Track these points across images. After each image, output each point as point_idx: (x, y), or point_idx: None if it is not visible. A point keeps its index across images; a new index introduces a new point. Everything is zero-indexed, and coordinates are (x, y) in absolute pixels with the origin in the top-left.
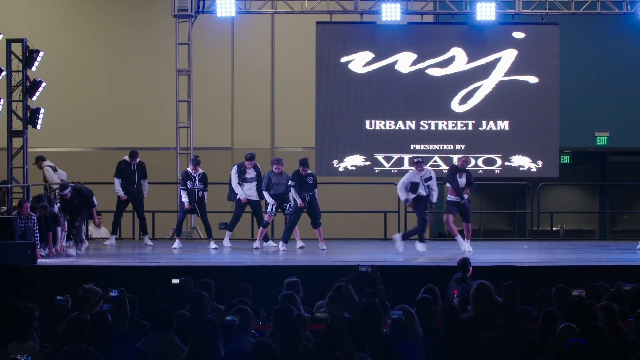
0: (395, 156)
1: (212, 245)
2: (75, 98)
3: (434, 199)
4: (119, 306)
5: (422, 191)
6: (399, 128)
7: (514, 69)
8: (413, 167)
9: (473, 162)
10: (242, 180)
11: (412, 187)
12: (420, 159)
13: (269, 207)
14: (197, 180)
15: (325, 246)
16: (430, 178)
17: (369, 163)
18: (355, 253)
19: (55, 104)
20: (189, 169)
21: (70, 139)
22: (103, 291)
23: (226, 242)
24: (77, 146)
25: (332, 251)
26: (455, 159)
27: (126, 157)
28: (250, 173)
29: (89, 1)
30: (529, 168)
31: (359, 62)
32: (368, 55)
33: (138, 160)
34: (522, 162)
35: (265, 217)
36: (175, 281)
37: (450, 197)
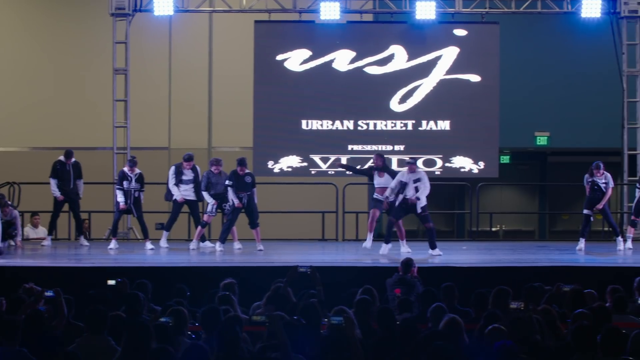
0: (333, 157)
1: (149, 245)
2: (11, 97)
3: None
4: (55, 307)
5: (409, 192)
6: (337, 128)
7: (455, 67)
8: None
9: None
10: (179, 181)
11: (401, 187)
12: (412, 160)
13: (209, 207)
14: (133, 181)
15: (262, 247)
16: (419, 179)
17: (305, 164)
18: (293, 254)
19: None
20: (125, 169)
21: (6, 138)
22: (39, 292)
23: (163, 243)
24: (12, 146)
25: (269, 252)
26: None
27: (61, 157)
28: (188, 174)
29: (27, 1)
30: (470, 169)
31: (296, 60)
32: (305, 53)
33: (73, 160)
34: (463, 163)
35: (205, 217)
36: (111, 282)
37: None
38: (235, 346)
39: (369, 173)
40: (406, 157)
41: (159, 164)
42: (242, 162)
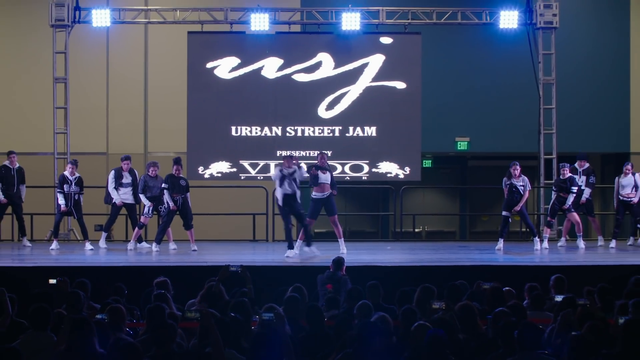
0: (262, 162)
1: (88, 246)
2: None
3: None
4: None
5: (287, 187)
6: (265, 134)
7: (381, 75)
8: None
9: (340, 168)
10: (119, 184)
11: (280, 181)
12: (289, 154)
13: (146, 209)
14: (73, 184)
15: (196, 247)
16: (293, 172)
17: (234, 170)
18: (226, 254)
19: None
20: (66, 172)
21: None
22: None
23: (102, 244)
24: None
25: (203, 252)
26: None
27: (6, 162)
28: (127, 178)
29: None
30: (397, 175)
31: (225, 67)
32: (234, 60)
33: (17, 165)
34: (389, 168)
35: (142, 219)
36: (52, 281)
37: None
38: (171, 342)
39: (315, 177)
40: (335, 164)
41: (98, 169)
42: (177, 162)
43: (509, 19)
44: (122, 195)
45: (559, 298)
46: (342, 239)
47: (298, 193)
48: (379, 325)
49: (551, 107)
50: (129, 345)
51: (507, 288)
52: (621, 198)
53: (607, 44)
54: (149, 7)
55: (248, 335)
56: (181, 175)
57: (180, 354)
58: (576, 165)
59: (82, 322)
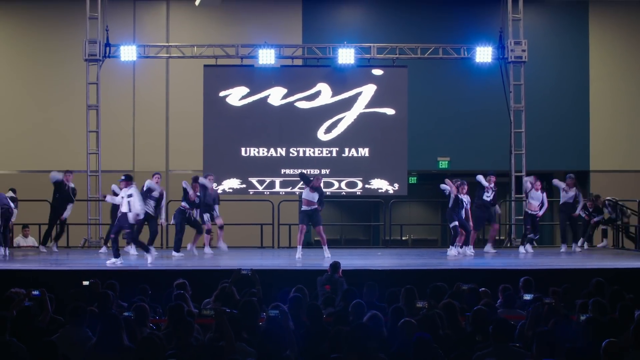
0: (268, 179)
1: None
2: (2, 128)
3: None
4: (41, 303)
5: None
6: (271, 155)
7: (373, 102)
8: None
9: (337, 184)
10: (150, 197)
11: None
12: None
13: (206, 217)
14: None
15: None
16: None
17: (244, 186)
18: (237, 259)
19: None
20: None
21: None
22: (27, 291)
23: (132, 251)
24: (3, 169)
25: (216, 257)
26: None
27: (62, 178)
28: (157, 191)
29: (13, 46)
30: (387, 190)
31: (236, 96)
32: (244, 90)
33: (72, 185)
34: (380, 184)
35: (207, 226)
36: (86, 283)
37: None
38: (189, 336)
39: (307, 181)
40: (333, 180)
41: None
42: (195, 180)
43: (484, 54)
44: (147, 207)
45: (527, 297)
46: (326, 246)
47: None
48: (370, 326)
49: (521, 130)
50: (149, 339)
51: (483, 289)
52: (529, 211)
53: (570, 76)
54: (170, 44)
55: (250, 328)
56: (198, 193)
57: (198, 346)
58: (486, 181)
59: (112, 318)
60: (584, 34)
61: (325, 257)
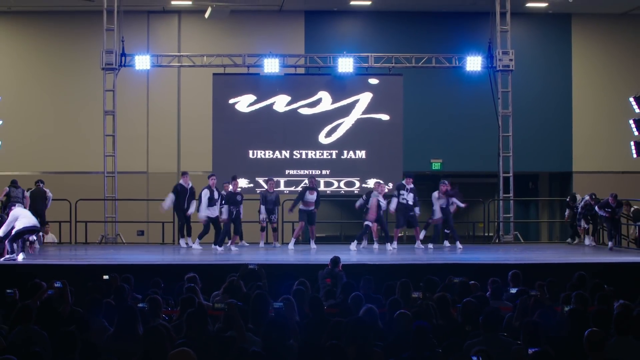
0: (274, 179)
1: (233, 248)
2: (23, 132)
3: None
4: (61, 295)
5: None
6: (276, 157)
7: (369, 109)
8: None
9: (336, 184)
10: (213, 202)
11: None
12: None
13: (262, 216)
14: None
15: (237, 248)
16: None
17: (251, 185)
18: (244, 254)
19: (10, 136)
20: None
21: (20, 164)
22: (49, 282)
23: (196, 245)
24: (26, 170)
25: (224, 252)
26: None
27: (181, 181)
28: (215, 194)
29: (35, 56)
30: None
31: (244, 103)
32: (251, 97)
33: (190, 184)
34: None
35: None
36: (106, 277)
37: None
38: (205, 326)
39: (302, 194)
40: (332, 180)
41: (139, 185)
42: (234, 178)
43: (474, 63)
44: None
45: (513, 290)
46: (313, 240)
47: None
48: (366, 320)
49: (508, 134)
50: (155, 329)
51: (472, 282)
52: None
53: (554, 83)
54: (181, 54)
55: (257, 319)
56: (238, 191)
57: (208, 336)
58: (404, 182)
59: (129, 310)
60: (567, 45)
61: (312, 249)
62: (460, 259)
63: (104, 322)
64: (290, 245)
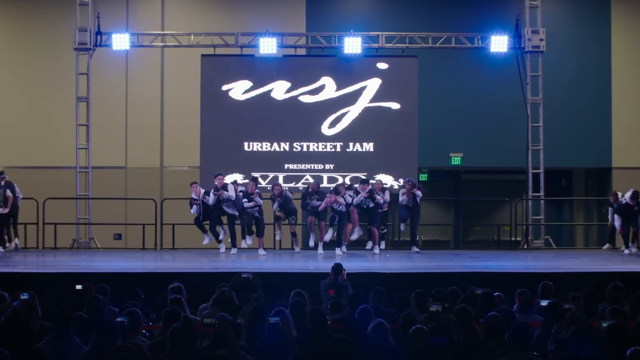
0: (271, 174)
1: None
2: None
3: None
4: (30, 308)
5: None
6: (274, 149)
7: (378, 97)
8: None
9: (341, 179)
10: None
11: None
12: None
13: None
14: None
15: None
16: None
17: (247, 180)
18: (235, 261)
19: None
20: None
21: None
22: (14, 294)
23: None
24: None
25: (213, 259)
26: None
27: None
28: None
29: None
30: (392, 186)
31: (239, 90)
32: (246, 83)
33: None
34: (385, 180)
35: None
36: (79, 287)
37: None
38: (193, 343)
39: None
40: (336, 175)
41: (117, 181)
42: (254, 180)
43: (499, 44)
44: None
45: (544, 303)
46: (322, 244)
47: None
48: (376, 337)
49: (538, 125)
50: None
51: (497, 293)
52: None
53: (591, 66)
54: (165, 32)
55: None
56: (257, 191)
57: (196, 355)
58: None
59: (107, 325)
60: (605, 22)
61: (319, 254)
62: (484, 267)
63: (75, 339)
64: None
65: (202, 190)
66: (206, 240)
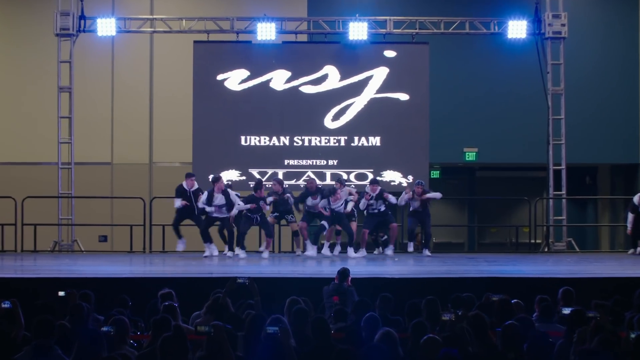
0: (270, 171)
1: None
2: None
3: None
4: (12, 317)
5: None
6: (274, 144)
7: (385, 87)
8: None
9: (345, 176)
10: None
11: None
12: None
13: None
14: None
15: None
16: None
17: (244, 178)
18: (231, 265)
19: None
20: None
21: None
22: None
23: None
24: None
25: (207, 263)
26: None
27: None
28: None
29: None
30: (400, 183)
31: (235, 79)
32: (243, 73)
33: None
34: (393, 177)
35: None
36: (61, 293)
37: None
38: (185, 354)
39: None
40: (341, 172)
41: (102, 179)
42: (258, 186)
43: (517, 29)
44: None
45: (567, 311)
46: (327, 245)
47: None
48: (383, 348)
49: (560, 117)
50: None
51: (515, 300)
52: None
53: (616, 53)
54: (154, 17)
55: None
56: (262, 195)
57: None
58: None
59: (92, 334)
60: (633, 5)
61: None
62: (500, 272)
63: (57, 350)
64: (360, 254)
65: (196, 185)
66: (180, 246)
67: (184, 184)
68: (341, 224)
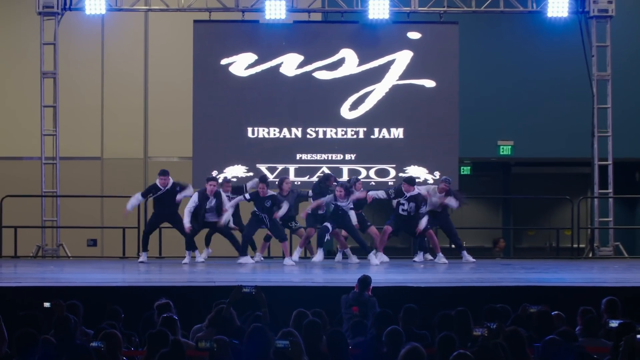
0: (280, 167)
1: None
2: None
3: None
4: None
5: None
6: (284, 136)
7: (409, 72)
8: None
9: (364, 172)
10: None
11: None
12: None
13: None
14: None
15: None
16: None
17: (251, 174)
18: (236, 272)
19: None
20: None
21: None
22: None
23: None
24: None
25: (210, 270)
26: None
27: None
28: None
29: None
30: (425, 180)
31: (241, 64)
32: (250, 57)
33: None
34: (417, 173)
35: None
36: (47, 304)
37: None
38: None
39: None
40: (359, 168)
41: (91, 175)
42: (263, 180)
43: (558, 7)
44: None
45: (614, 323)
46: (341, 252)
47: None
48: None
49: (606, 106)
50: None
51: (556, 312)
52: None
53: None
54: None
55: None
56: (267, 195)
57: None
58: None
59: (80, 350)
60: None
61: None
62: (539, 280)
63: None
64: (381, 258)
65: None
66: (143, 257)
67: (157, 182)
68: (347, 227)
